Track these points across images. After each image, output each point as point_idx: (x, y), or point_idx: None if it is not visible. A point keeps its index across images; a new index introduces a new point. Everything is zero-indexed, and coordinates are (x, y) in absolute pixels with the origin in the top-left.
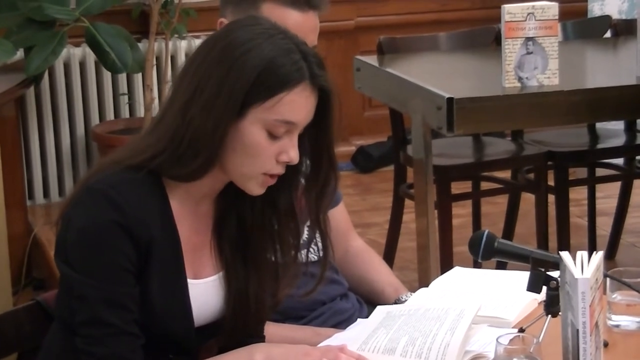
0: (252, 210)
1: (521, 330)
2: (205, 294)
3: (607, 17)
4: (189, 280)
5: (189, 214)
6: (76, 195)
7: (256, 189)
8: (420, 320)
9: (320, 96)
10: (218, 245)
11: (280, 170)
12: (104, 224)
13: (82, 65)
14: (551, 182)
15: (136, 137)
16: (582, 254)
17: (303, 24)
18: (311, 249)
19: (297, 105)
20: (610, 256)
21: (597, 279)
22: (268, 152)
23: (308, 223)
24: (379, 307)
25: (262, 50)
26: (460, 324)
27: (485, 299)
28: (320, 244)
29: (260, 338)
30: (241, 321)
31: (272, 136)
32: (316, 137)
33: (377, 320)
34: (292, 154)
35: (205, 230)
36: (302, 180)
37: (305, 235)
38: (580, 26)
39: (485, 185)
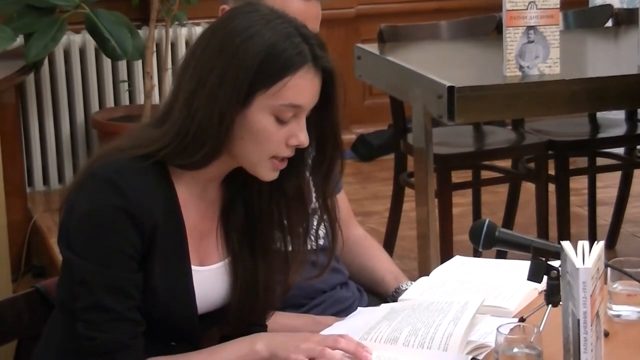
0: (259, 197)
1: (522, 320)
2: (210, 281)
3: (608, 6)
4: (193, 267)
5: (196, 199)
6: (79, 181)
7: (268, 174)
8: (424, 313)
9: (324, 78)
10: (225, 232)
11: (289, 152)
12: (107, 209)
13: (82, 52)
14: (552, 172)
15: (140, 125)
16: (584, 244)
17: (305, 12)
18: (319, 234)
19: (302, 88)
20: (610, 246)
21: (598, 269)
22: (277, 138)
23: (309, 210)
24: (382, 305)
25: (262, 36)
26: (464, 315)
27: (486, 288)
28: (327, 230)
29: (263, 326)
30: (247, 309)
31: (280, 121)
32: (322, 120)
33: (379, 315)
34: (302, 137)
35: (212, 216)
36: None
37: None
38: (581, 15)
39: (485, 174)
